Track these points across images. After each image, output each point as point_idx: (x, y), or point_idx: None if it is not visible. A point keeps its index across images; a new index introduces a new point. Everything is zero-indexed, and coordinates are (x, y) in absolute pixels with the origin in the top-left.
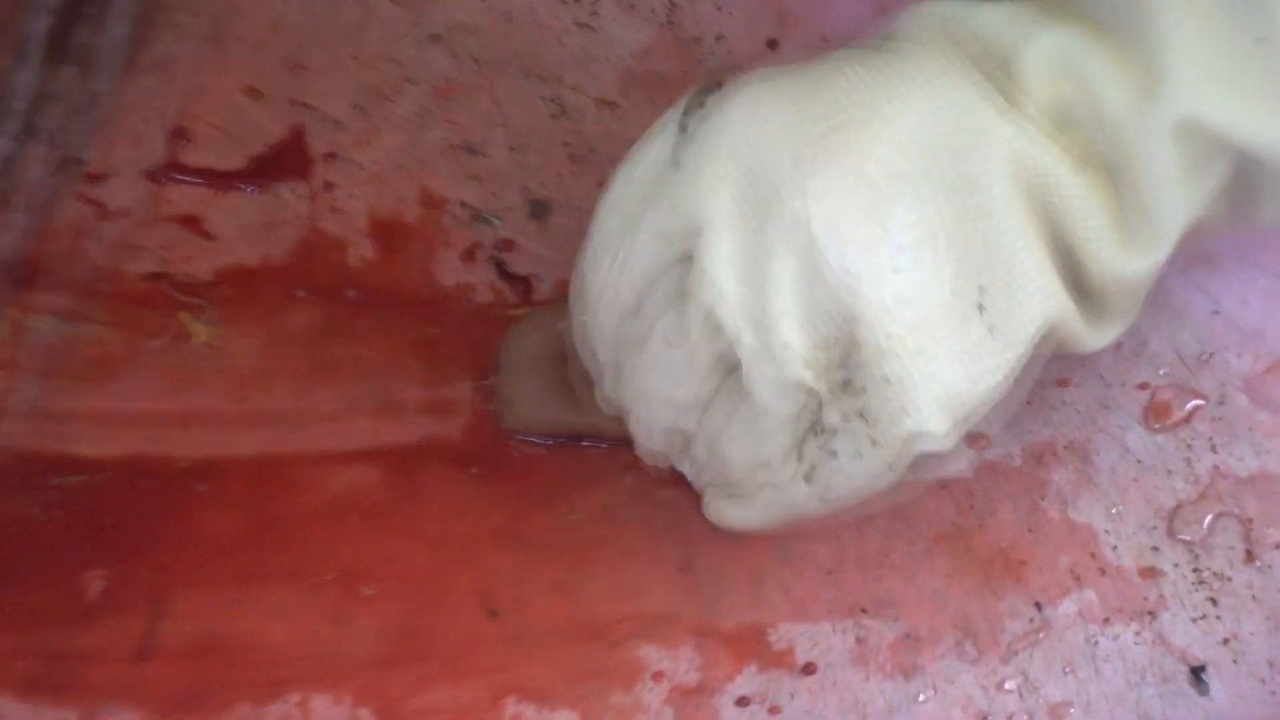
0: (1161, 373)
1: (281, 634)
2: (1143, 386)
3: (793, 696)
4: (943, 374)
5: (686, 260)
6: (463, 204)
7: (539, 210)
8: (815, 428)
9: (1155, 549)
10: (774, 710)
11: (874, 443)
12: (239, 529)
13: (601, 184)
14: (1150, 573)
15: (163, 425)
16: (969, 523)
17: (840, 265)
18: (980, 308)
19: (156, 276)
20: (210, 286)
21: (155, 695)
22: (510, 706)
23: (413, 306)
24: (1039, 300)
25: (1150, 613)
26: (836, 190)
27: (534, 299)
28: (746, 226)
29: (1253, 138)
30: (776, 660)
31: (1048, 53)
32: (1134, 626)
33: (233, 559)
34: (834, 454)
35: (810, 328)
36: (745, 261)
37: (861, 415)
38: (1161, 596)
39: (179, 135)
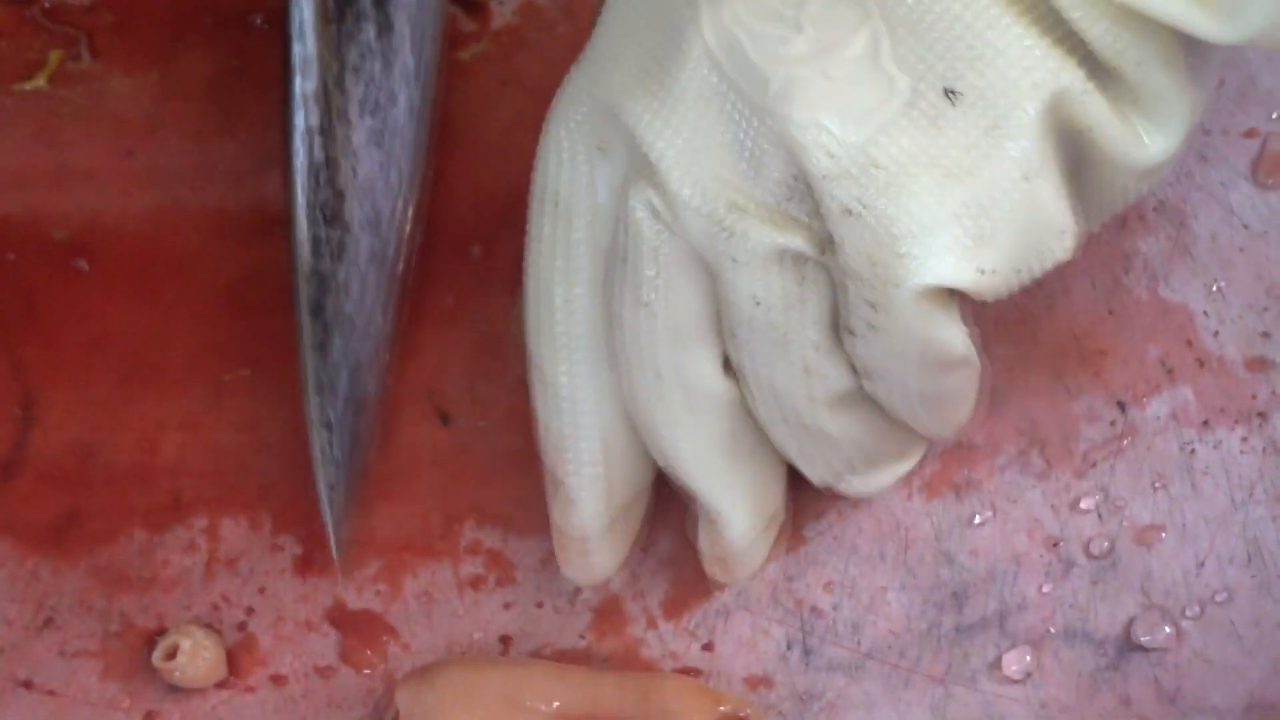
0: (1275, 116)
1: (180, 444)
2: (1250, 134)
3: (818, 519)
4: (923, 190)
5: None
6: None
7: None
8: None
9: (1266, 335)
10: (795, 539)
11: (874, 306)
12: (125, 314)
13: None
14: (1260, 364)
15: (32, 186)
16: (1035, 304)
17: (750, 76)
18: (949, 94)
19: (22, 2)
20: (88, 14)
21: (24, 520)
22: (468, 530)
23: None
24: (1025, 67)
25: (1261, 414)
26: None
27: (493, 26)
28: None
29: None
30: (794, 476)
31: None
32: (1240, 431)
33: (118, 352)
34: (852, 333)
35: (757, 178)
36: (666, 129)
37: (847, 272)
38: (1274, 394)
39: None
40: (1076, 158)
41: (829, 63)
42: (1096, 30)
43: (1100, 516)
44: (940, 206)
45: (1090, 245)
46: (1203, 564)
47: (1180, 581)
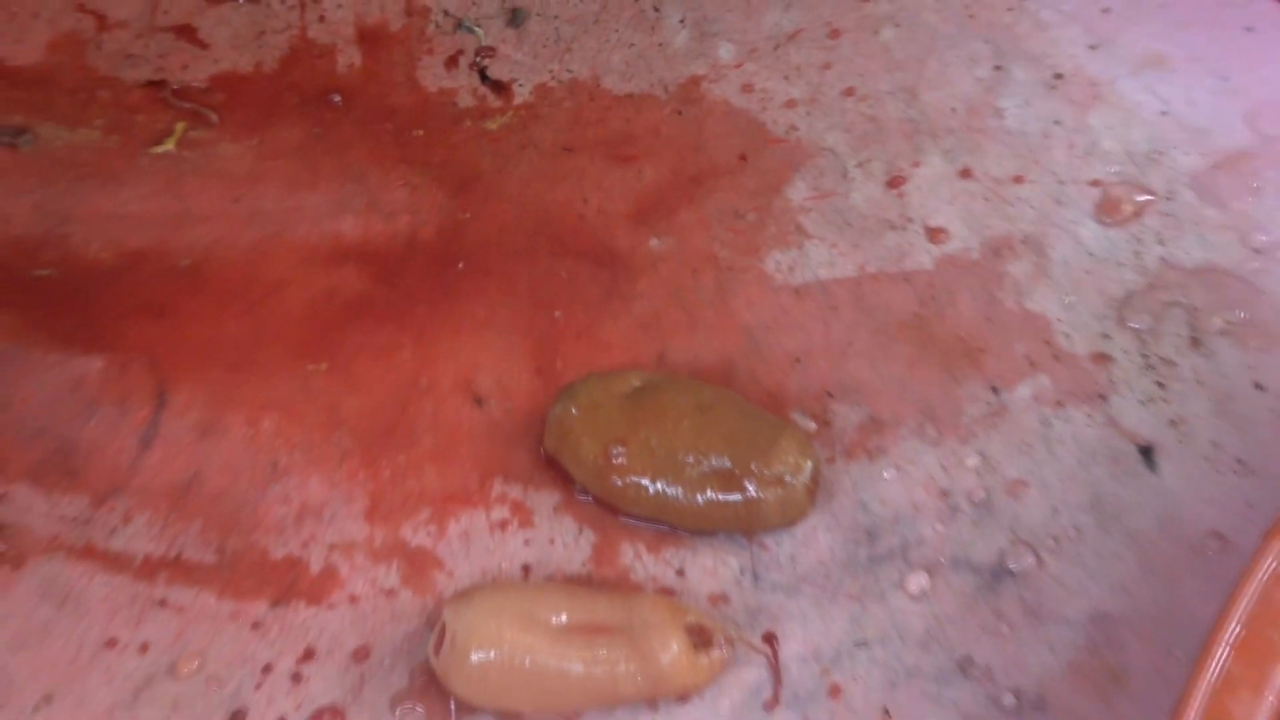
0: (1113, 170)
1: (276, 422)
2: (1095, 183)
3: None
4: None
5: None
6: (445, 13)
7: (517, 18)
8: None
9: (1106, 336)
10: None
11: None
12: (233, 324)
13: None
14: (1101, 359)
15: (160, 225)
16: (930, 313)
17: None
18: None
19: (154, 84)
20: (204, 93)
21: (159, 480)
22: (497, 486)
23: (397, 112)
24: None
25: (1101, 396)
26: None
27: (515, 103)
28: None
29: None
30: None
31: None
32: (1085, 409)
33: (228, 352)
34: None
35: None
36: None
37: None
38: (1112, 381)
39: None
40: None
41: None
42: None
43: (979, 474)
44: None
45: (971, 269)
46: (1057, 510)
47: (1040, 523)
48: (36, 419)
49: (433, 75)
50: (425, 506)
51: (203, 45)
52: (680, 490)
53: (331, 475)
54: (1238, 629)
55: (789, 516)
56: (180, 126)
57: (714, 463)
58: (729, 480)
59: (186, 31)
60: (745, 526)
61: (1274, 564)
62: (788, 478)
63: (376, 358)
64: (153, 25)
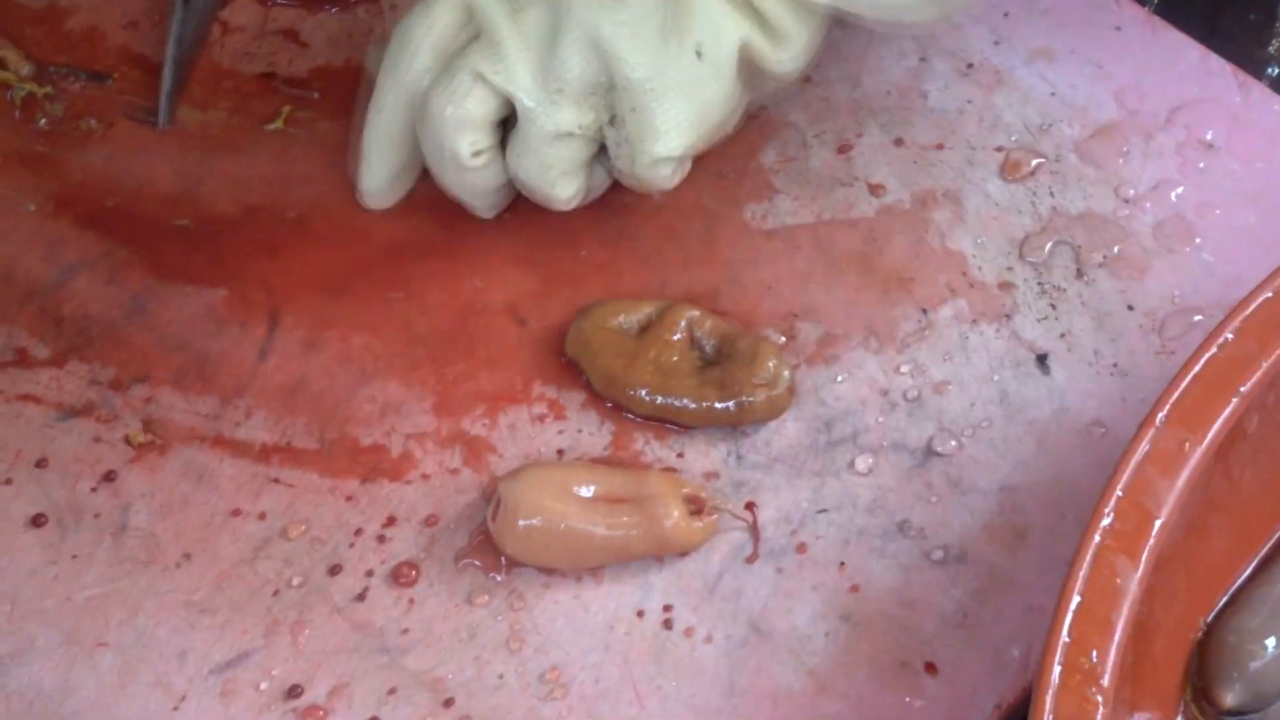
0: (1013, 139)
1: (364, 339)
2: (999, 149)
3: None
4: (677, 104)
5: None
6: None
7: None
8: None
9: (1009, 269)
10: None
11: (633, 161)
12: (330, 261)
13: None
14: (1006, 286)
15: (273, 185)
16: (872, 250)
17: (600, 35)
18: (697, 52)
19: (266, 76)
20: (306, 82)
21: (274, 384)
22: (536, 387)
23: None
24: (730, 27)
25: (1006, 315)
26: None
27: None
28: (542, 29)
29: None
30: None
31: None
32: (994, 326)
33: (326, 284)
34: (611, 166)
35: (582, 80)
36: (539, 43)
37: (622, 142)
38: (1014, 303)
39: None
40: (751, 70)
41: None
42: (779, 12)
43: (912, 376)
44: (680, 112)
45: (904, 216)
46: (973, 404)
47: (960, 414)
48: (177, 336)
49: None
50: (480, 403)
51: (304, 45)
52: (684, 400)
53: (407, 379)
54: (1120, 495)
55: (773, 413)
56: (287, 109)
57: (709, 374)
58: (723, 387)
59: (291, 34)
60: (735, 422)
61: (1147, 447)
62: (771, 383)
63: (442, 286)
64: (265, 30)
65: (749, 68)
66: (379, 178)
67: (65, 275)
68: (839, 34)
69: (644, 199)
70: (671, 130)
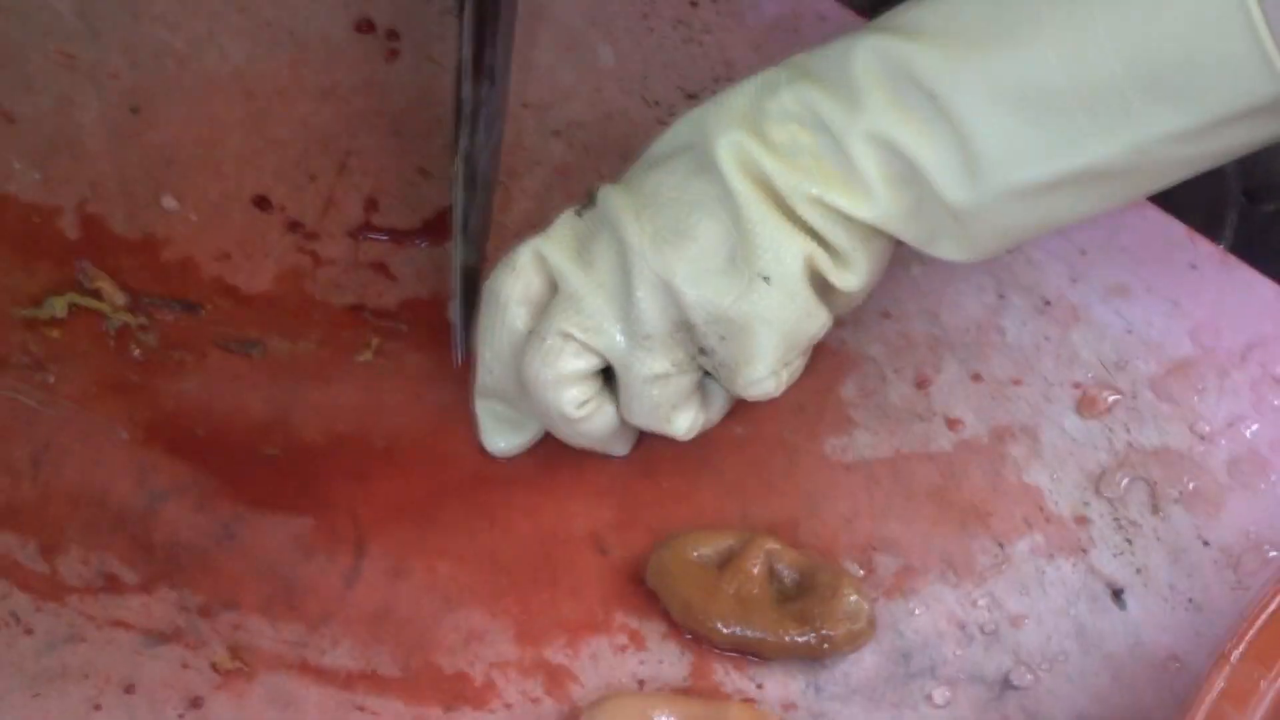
0: (1089, 375)
1: (450, 567)
2: (1075, 385)
3: None
4: (760, 331)
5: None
6: None
7: None
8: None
9: (1085, 504)
10: None
11: (732, 384)
12: (416, 491)
13: None
14: (1082, 521)
15: (361, 415)
16: (949, 484)
17: (671, 280)
18: (764, 278)
19: (356, 308)
20: (394, 315)
21: (360, 611)
22: (618, 617)
23: None
24: (792, 246)
25: (1082, 550)
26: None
27: None
28: (615, 276)
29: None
30: None
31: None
32: (1070, 560)
33: (413, 512)
34: (709, 400)
35: (665, 321)
36: (615, 290)
37: (718, 367)
38: (1090, 538)
39: (370, 204)
40: (822, 286)
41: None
42: (835, 234)
43: (989, 610)
44: (764, 339)
45: (981, 450)
46: (1049, 638)
47: (1037, 648)
48: (266, 563)
49: None
50: (563, 632)
51: (393, 278)
52: (763, 632)
53: (491, 607)
54: None
55: (853, 646)
56: (376, 340)
57: (788, 607)
58: (802, 620)
59: (380, 267)
60: (814, 654)
61: (1222, 684)
62: (852, 617)
63: (526, 515)
64: (355, 262)
65: (818, 282)
66: (508, 441)
67: (156, 502)
68: (918, 270)
69: (725, 431)
70: (759, 357)
